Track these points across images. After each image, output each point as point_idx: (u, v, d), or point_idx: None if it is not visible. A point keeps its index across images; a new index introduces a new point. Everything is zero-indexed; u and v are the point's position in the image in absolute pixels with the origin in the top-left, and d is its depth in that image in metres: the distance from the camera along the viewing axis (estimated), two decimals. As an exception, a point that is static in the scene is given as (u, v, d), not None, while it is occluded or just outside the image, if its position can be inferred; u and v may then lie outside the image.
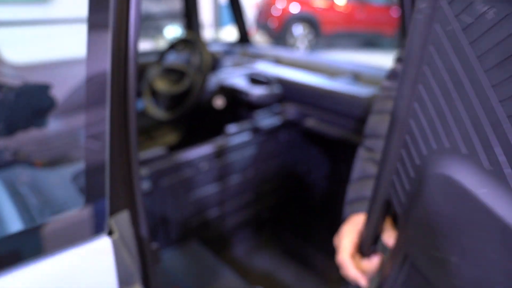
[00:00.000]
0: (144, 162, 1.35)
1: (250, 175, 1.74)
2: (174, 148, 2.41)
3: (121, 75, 0.65)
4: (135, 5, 0.63)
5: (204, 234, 1.67)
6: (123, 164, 0.68)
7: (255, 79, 1.85)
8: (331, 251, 1.83)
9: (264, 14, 8.61)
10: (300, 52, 2.45)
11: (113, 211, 0.69)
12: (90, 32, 0.63)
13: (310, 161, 2.08)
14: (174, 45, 1.95)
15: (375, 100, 0.84)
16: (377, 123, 0.79)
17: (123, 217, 0.70)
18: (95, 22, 0.63)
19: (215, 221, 1.69)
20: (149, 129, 2.33)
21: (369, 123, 0.82)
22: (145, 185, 1.34)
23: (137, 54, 0.65)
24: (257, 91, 1.72)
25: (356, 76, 1.88)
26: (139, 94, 2.18)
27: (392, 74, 0.82)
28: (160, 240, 1.50)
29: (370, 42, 9.32)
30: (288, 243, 1.87)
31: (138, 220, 0.73)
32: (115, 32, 0.62)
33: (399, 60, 0.83)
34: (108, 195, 0.67)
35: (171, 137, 2.43)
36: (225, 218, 1.73)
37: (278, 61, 2.26)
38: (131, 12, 0.63)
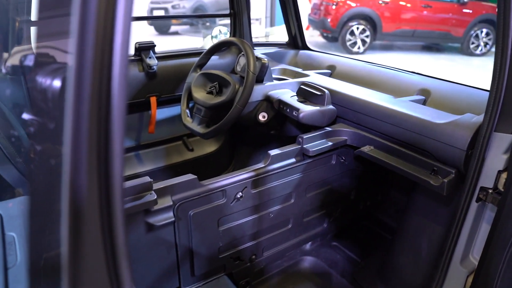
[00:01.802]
0: (168, 189, 1.16)
1: (293, 204, 1.50)
2: (211, 156, 2.24)
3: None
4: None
5: (234, 269, 1.46)
6: None
7: (306, 93, 1.59)
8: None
9: (318, 9, 8.14)
10: (360, 62, 2.17)
11: None
12: None
13: (363, 191, 1.80)
14: (217, 48, 1.74)
15: None
16: None
17: None
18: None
19: (247, 254, 1.48)
20: (185, 135, 2.17)
21: None
22: (167, 215, 1.15)
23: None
24: (308, 108, 1.47)
25: (428, 95, 1.56)
26: (177, 99, 2.01)
27: None
28: (182, 277, 1.31)
29: (433, 44, 8.58)
30: (330, 282, 1.62)
31: None
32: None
33: None
34: None
35: (209, 145, 2.25)
36: (260, 251, 1.52)
37: (333, 71, 1.99)
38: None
